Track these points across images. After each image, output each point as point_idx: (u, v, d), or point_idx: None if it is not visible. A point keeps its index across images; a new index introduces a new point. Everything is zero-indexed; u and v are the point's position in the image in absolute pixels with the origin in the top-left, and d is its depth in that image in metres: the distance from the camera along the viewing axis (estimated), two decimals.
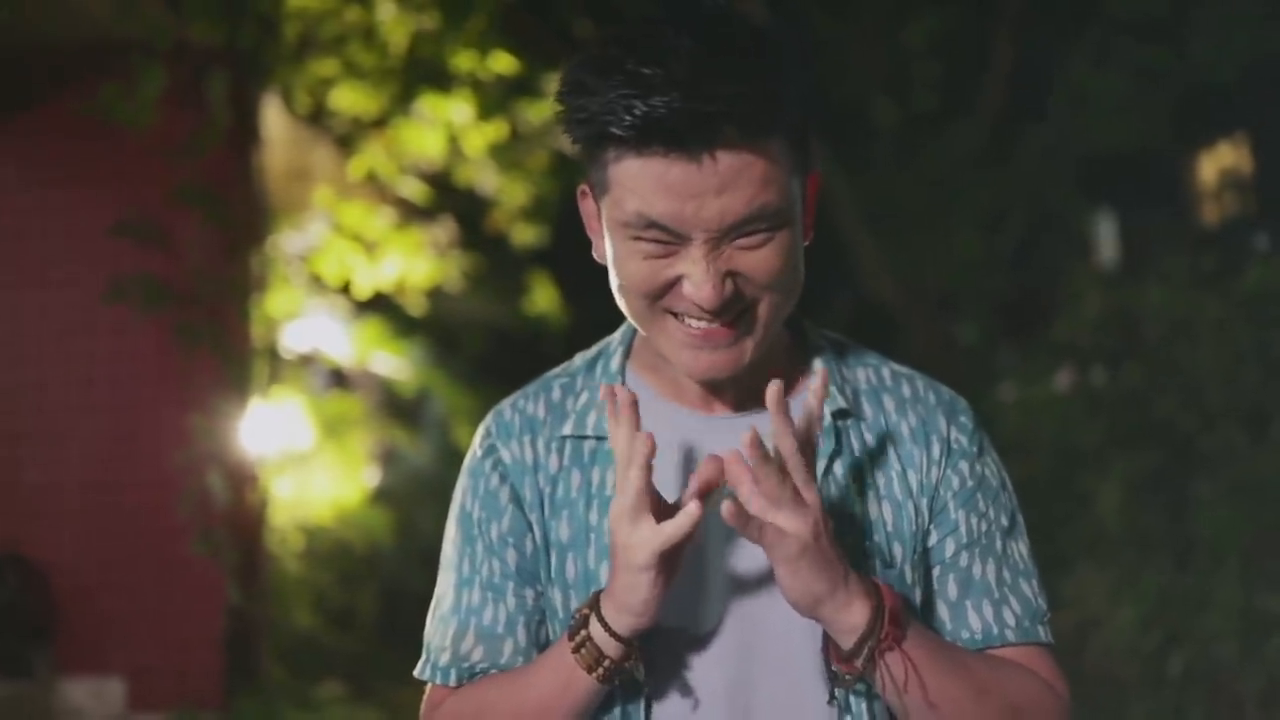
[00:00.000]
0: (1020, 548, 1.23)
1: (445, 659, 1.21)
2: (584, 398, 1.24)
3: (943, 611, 1.20)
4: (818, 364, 1.23)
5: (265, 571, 5.09)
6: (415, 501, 7.57)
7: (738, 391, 1.20)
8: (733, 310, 1.10)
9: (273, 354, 5.55)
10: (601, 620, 1.10)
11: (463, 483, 1.26)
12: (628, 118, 1.01)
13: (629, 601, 1.07)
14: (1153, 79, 7.39)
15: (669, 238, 1.07)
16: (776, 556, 1.05)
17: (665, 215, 1.06)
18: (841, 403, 1.20)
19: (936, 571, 1.21)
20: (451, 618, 1.22)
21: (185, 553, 4.62)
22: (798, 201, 1.11)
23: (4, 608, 4.66)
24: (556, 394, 1.25)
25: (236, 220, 4.64)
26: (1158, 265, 4.69)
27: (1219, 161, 9.46)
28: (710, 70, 1.01)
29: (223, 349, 4.59)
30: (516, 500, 1.21)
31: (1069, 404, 4.84)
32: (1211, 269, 4.40)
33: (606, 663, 1.10)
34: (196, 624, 4.77)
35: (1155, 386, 4.33)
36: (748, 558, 1.15)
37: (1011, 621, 1.20)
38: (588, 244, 1.21)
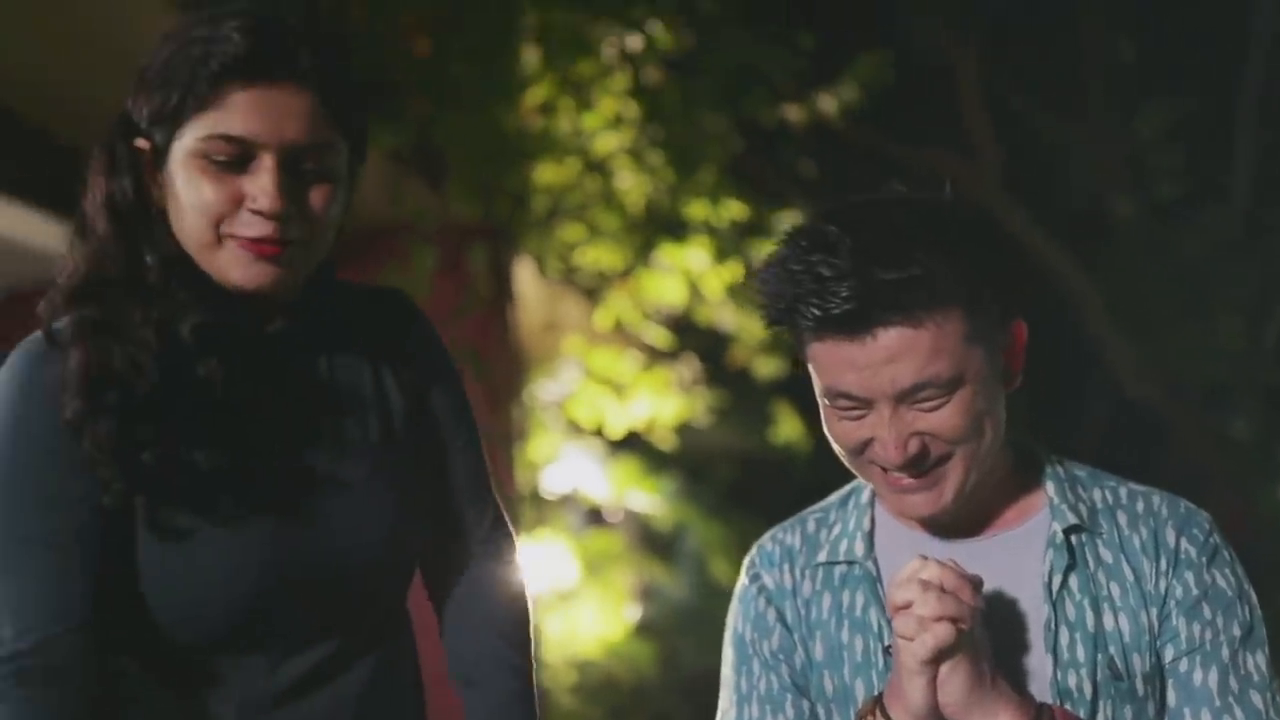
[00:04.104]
0: (1256, 659, 1.25)
1: None
2: (836, 529, 1.37)
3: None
4: (1050, 488, 1.32)
5: (541, 707, 5.31)
6: (677, 633, 7.69)
7: (972, 517, 1.30)
8: (925, 464, 1.23)
9: (535, 497, 5.88)
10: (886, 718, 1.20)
11: (734, 608, 1.40)
12: (807, 314, 1.20)
13: (909, 703, 1.18)
14: None
15: (857, 403, 1.23)
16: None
17: (849, 385, 1.22)
18: (1072, 519, 1.28)
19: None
20: None
21: None
22: (981, 361, 1.22)
23: None
24: (811, 527, 1.40)
25: (498, 375, 5.01)
26: None
27: None
28: (871, 263, 1.17)
29: None
30: (782, 620, 1.35)
31: None
32: None
33: None
34: None
35: None
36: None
37: None
38: None
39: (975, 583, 1.18)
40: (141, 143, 1.22)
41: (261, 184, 1.18)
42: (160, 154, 1.21)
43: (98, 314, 1.19)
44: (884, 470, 1.25)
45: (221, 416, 1.22)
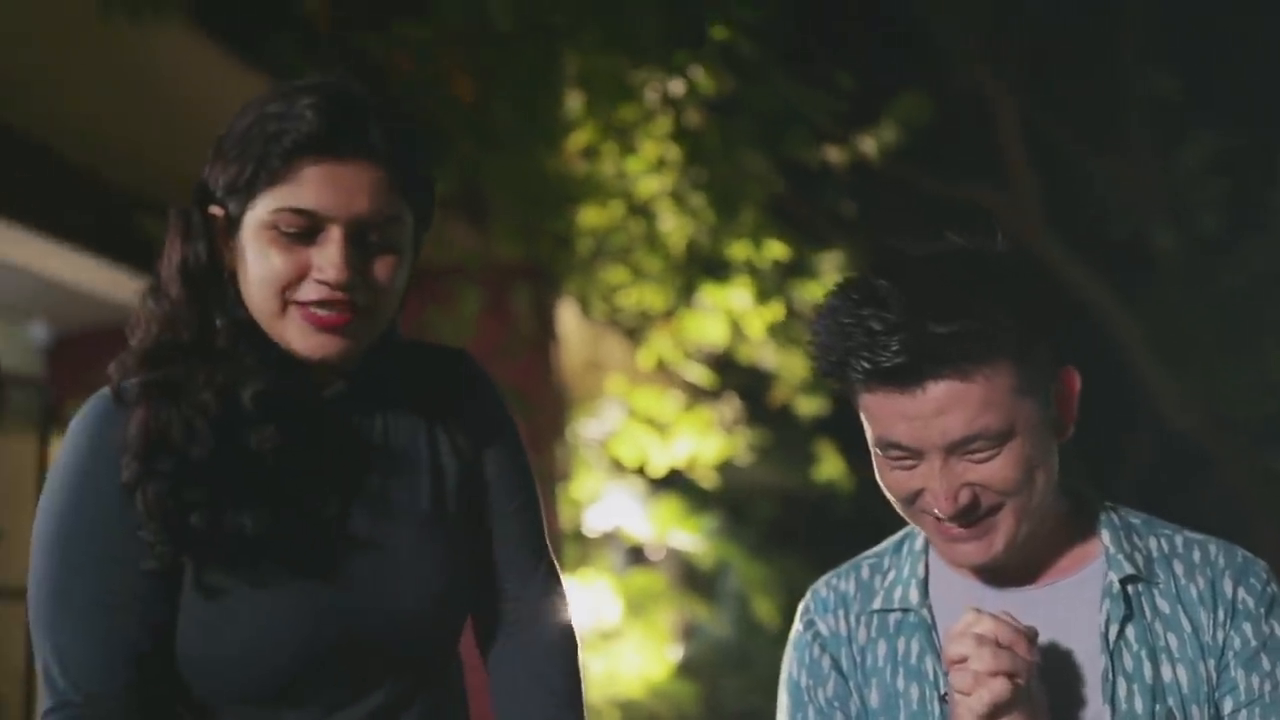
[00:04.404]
0: None
1: None
2: (890, 575, 1.37)
3: None
4: (1105, 536, 1.32)
5: None
6: (719, 673, 7.66)
7: (1026, 566, 1.31)
8: (975, 514, 1.24)
9: (578, 535, 5.90)
10: None
11: (788, 654, 1.40)
12: (858, 367, 1.22)
13: None
14: None
15: (908, 453, 1.24)
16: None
17: (900, 436, 1.24)
18: (1129, 569, 1.28)
19: None
20: None
21: None
22: (1031, 412, 1.23)
23: None
24: (865, 573, 1.40)
25: (541, 414, 5.05)
26: None
27: None
28: (922, 317, 1.18)
29: None
30: (837, 668, 1.35)
31: None
32: None
33: None
34: None
35: None
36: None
37: None
38: None
39: (1031, 635, 1.18)
40: (216, 210, 1.26)
41: (329, 255, 1.21)
42: (234, 222, 1.25)
43: (164, 377, 1.22)
44: (936, 519, 1.26)
45: (273, 480, 1.24)
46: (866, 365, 1.20)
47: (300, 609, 1.23)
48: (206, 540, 1.20)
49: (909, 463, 1.25)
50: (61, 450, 1.24)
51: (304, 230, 1.21)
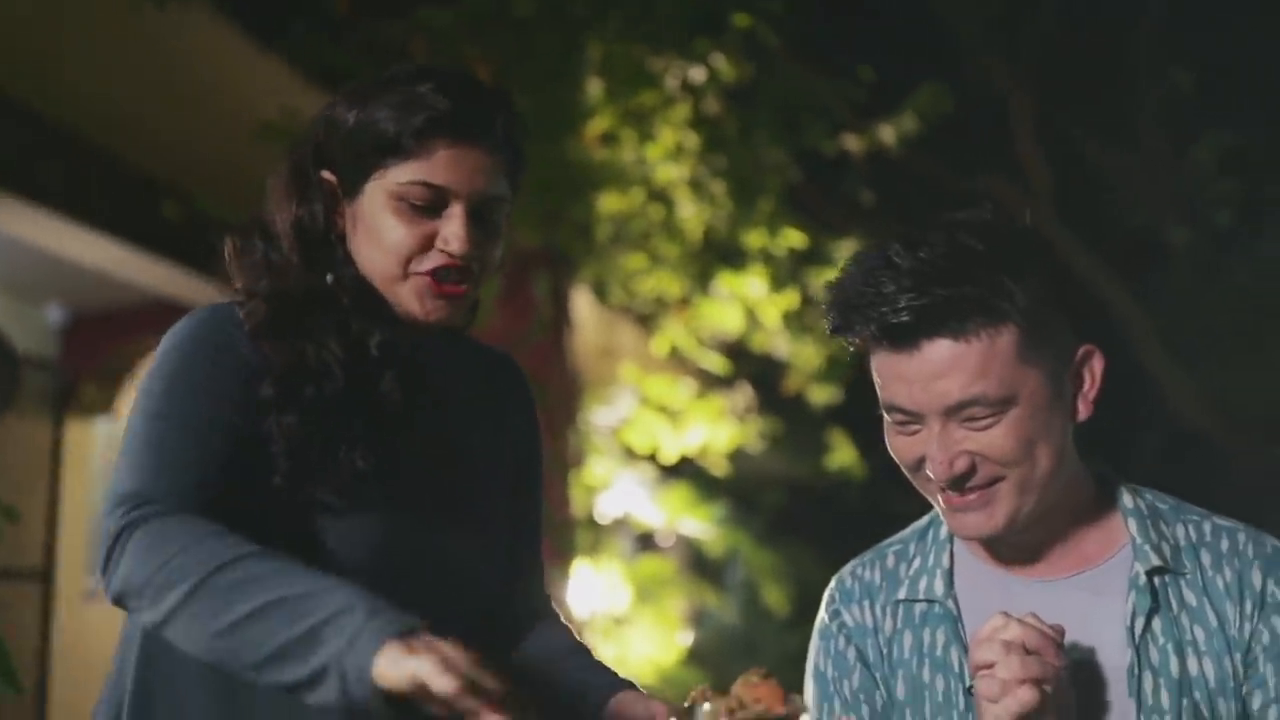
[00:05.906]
0: None
1: None
2: (915, 564, 1.36)
3: None
4: (1132, 525, 1.29)
5: None
6: (727, 660, 7.69)
7: (1050, 552, 1.30)
8: (975, 482, 1.23)
9: (590, 521, 5.92)
10: None
11: (814, 643, 1.40)
12: (864, 326, 1.23)
13: None
14: None
15: (910, 417, 1.24)
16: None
17: (901, 399, 1.24)
18: (1155, 560, 1.26)
19: None
20: None
21: None
22: (1037, 384, 1.22)
23: None
24: (890, 561, 1.39)
25: (555, 400, 5.07)
26: None
27: None
28: (928, 281, 1.19)
29: (549, 521, 4.96)
30: (863, 660, 1.35)
31: None
32: None
33: None
34: None
35: None
36: None
37: None
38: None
39: (1058, 639, 1.17)
40: (328, 175, 1.35)
41: (454, 229, 1.32)
42: (350, 189, 1.34)
43: (290, 316, 1.31)
44: (940, 488, 1.26)
45: (376, 419, 1.32)
46: (872, 326, 1.21)
47: (378, 531, 1.31)
48: (322, 465, 1.28)
49: (912, 427, 1.24)
50: (181, 324, 1.33)
51: (429, 203, 1.31)
